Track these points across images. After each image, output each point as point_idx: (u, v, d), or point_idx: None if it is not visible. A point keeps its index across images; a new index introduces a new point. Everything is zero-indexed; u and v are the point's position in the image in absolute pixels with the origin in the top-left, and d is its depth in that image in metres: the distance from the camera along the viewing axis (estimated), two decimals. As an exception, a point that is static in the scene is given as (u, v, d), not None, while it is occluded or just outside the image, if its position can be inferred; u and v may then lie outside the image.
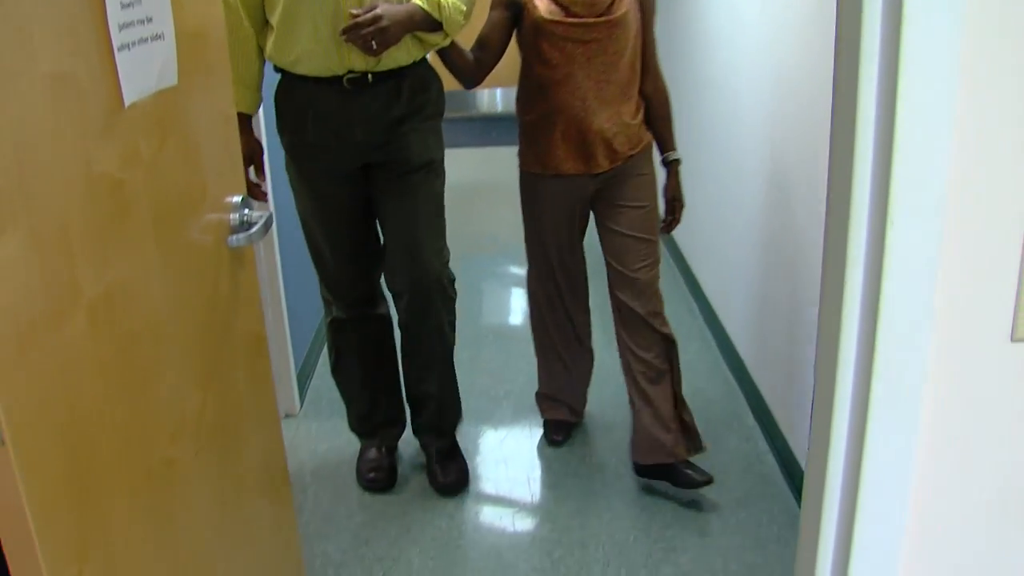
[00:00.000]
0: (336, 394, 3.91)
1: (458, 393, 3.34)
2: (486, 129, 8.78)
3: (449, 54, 2.92)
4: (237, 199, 1.86)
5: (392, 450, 3.41)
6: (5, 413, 1.08)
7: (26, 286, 1.13)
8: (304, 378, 3.98)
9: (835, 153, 0.99)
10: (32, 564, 1.16)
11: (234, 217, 1.85)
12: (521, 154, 3.16)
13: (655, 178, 3.10)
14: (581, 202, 3.13)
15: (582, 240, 3.26)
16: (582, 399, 3.60)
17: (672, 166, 3.13)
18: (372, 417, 3.36)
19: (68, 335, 1.23)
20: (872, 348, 0.95)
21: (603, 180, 3.05)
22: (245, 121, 2.79)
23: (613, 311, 3.15)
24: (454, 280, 3.10)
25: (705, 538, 2.93)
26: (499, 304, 4.95)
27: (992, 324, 0.98)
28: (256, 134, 2.95)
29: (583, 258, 3.31)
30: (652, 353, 3.06)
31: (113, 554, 1.35)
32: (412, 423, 3.37)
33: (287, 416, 3.76)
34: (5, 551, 1.16)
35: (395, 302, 3.12)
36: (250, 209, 1.89)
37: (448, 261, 3.09)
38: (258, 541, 2.06)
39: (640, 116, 3.02)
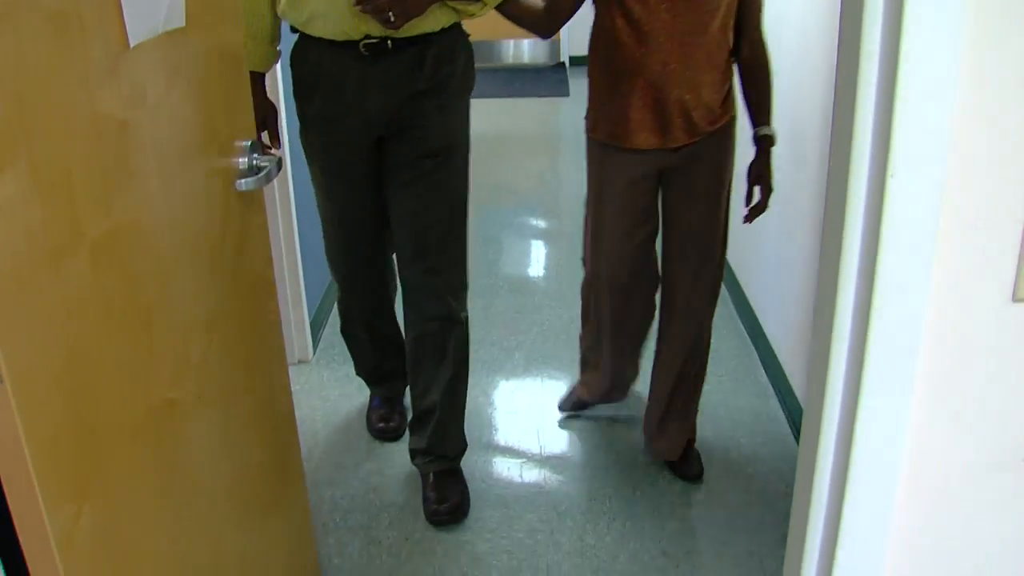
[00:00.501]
0: (348, 342, 3.93)
1: (462, 420, 2.97)
2: (510, 80, 8.71)
3: (512, 7, 2.60)
4: (246, 143, 1.85)
5: (401, 398, 3.36)
6: (4, 352, 1.08)
7: (27, 225, 1.13)
8: (317, 325, 3.99)
9: (838, 104, 0.98)
10: (32, 503, 1.17)
11: (243, 161, 1.84)
12: (589, 119, 2.78)
13: (732, 164, 2.74)
14: (652, 186, 2.75)
15: (654, 241, 2.89)
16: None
17: (763, 143, 2.70)
18: (381, 367, 3.28)
19: (70, 275, 1.22)
20: (869, 307, 0.94)
21: (680, 158, 2.66)
22: (258, 80, 2.62)
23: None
24: (466, 319, 2.81)
25: (712, 494, 2.94)
26: (515, 256, 4.93)
27: (993, 284, 0.97)
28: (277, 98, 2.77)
29: (655, 270, 2.95)
30: (683, 359, 2.90)
31: (114, 494, 1.35)
32: (409, 441, 3.03)
33: (299, 362, 3.78)
34: (5, 489, 1.17)
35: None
36: (259, 153, 1.88)
37: (463, 292, 2.79)
38: (263, 486, 2.07)
39: (727, 86, 2.63)
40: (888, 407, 1.00)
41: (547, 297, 4.32)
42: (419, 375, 2.87)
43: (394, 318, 3.18)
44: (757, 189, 2.73)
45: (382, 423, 3.27)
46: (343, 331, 3.21)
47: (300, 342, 3.76)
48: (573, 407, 3.39)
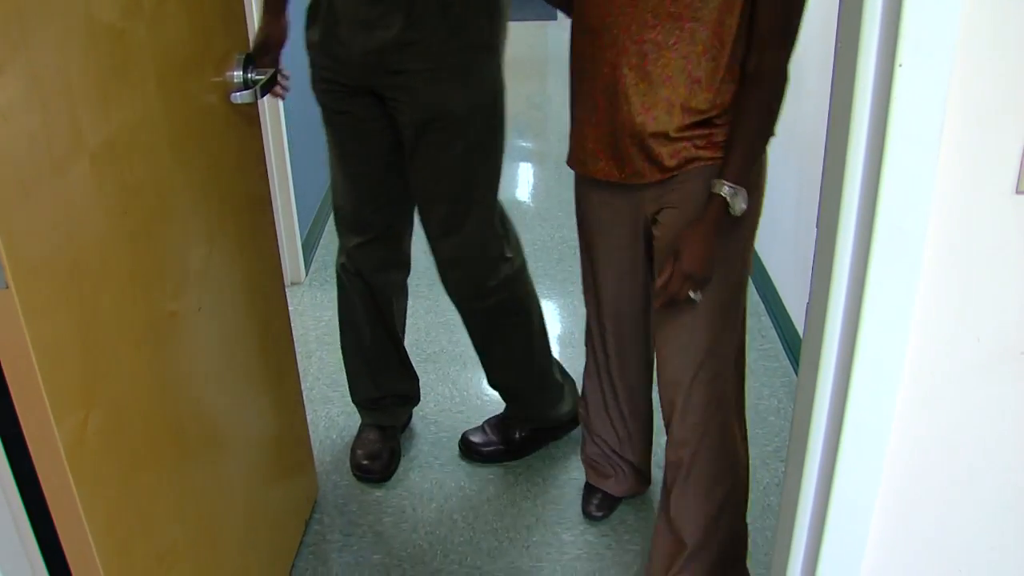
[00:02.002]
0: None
1: (548, 383, 2.75)
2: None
3: None
4: (241, 56, 1.84)
5: (395, 431, 2.85)
6: (8, 256, 1.09)
7: (27, 129, 1.12)
8: (309, 247, 3.98)
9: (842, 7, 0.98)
10: (39, 408, 1.18)
11: (237, 74, 1.83)
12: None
13: (740, 230, 1.91)
14: (635, 224, 2.03)
15: (646, 283, 2.13)
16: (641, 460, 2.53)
17: (711, 204, 1.82)
18: (377, 384, 2.77)
19: (71, 182, 1.22)
20: (875, 199, 0.95)
21: (655, 201, 1.93)
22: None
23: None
24: (504, 284, 2.49)
25: (704, 409, 2.96)
26: (505, 178, 4.88)
27: (997, 177, 0.97)
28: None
29: (645, 315, 2.20)
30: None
31: (119, 402, 1.37)
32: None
33: (292, 284, 3.79)
34: (12, 395, 1.18)
35: None
36: (254, 67, 1.87)
37: (494, 265, 2.47)
38: (262, 401, 2.09)
39: (715, 112, 1.80)
40: (892, 301, 1.01)
41: (537, 217, 4.33)
42: (479, 354, 2.71)
43: (392, 323, 2.73)
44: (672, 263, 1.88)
45: (366, 461, 2.74)
46: (341, 343, 2.76)
47: (292, 264, 3.77)
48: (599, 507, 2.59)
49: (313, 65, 2.35)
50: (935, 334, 1.06)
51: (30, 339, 1.13)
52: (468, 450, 2.79)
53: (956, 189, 0.98)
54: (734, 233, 1.88)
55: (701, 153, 1.82)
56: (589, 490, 2.57)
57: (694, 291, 1.88)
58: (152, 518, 1.49)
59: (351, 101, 2.31)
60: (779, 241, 3.42)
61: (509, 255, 2.51)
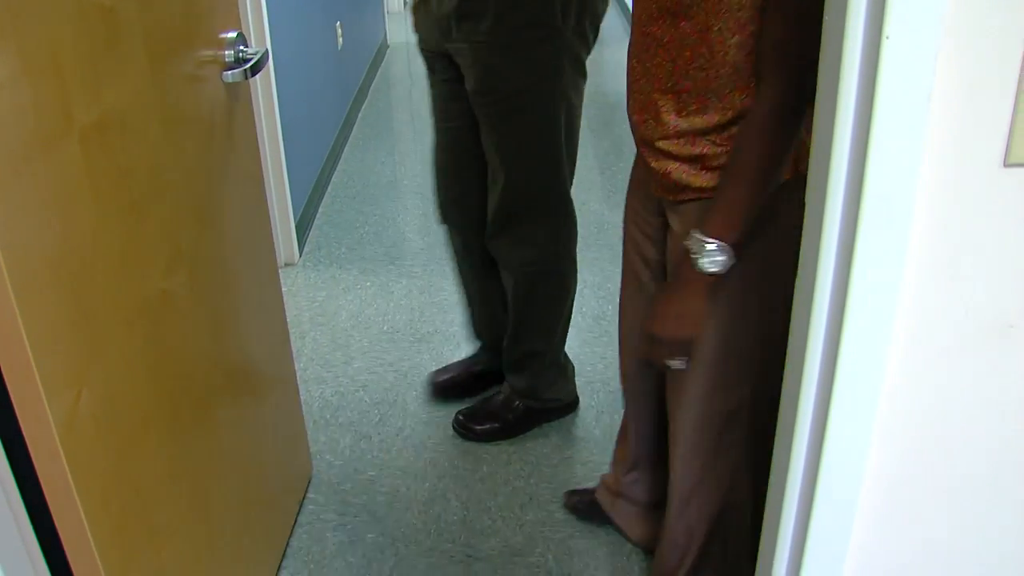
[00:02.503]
0: (335, 243, 3.94)
1: (559, 360, 2.81)
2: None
3: None
4: (232, 34, 1.83)
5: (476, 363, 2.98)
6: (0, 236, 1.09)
7: (17, 107, 1.12)
8: (303, 228, 3.98)
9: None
10: (31, 386, 1.19)
11: (229, 53, 1.83)
12: None
13: (755, 282, 1.59)
14: (646, 231, 1.82)
15: None
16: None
17: (684, 264, 1.54)
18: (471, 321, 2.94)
19: (62, 161, 1.22)
20: (862, 172, 0.95)
21: (669, 214, 1.68)
22: None
23: None
24: (552, 268, 2.57)
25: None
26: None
27: (985, 149, 0.98)
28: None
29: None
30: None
31: (112, 381, 1.37)
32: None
33: (286, 265, 3.78)
34: (4, 374, 1.18)
35: None
36: (245, 45, 1.86)
37: (542, 248, 2.53)
38: (256, 380, 2.09)
39: (714, 134, 1.51)
40: (880, 274, 1.02)
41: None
42: (514, 317, 2.71)
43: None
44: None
45: (442, 376, 2.99)
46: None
47: (286, 245, 3.76)
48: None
49: (415, 26, 2.44)
50: (923, 307, 1.06)
51: (21, 317, 1.13)
52: (463, 429, 2.80)
53: (944, 162, 0.98)
54: (738, 293, 1.60)
55: (692, 181, 1.55)
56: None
57: (670, 357, 1.63)
58: (146, 496, 1.49)
59: (435, 60, 2.41)
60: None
61: (563, 232, 2.55)
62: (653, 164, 1.59)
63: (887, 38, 0.89)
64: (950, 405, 1.13)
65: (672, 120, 1.53)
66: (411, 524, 2.45)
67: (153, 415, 1.51)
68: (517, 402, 2.78)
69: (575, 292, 2.71)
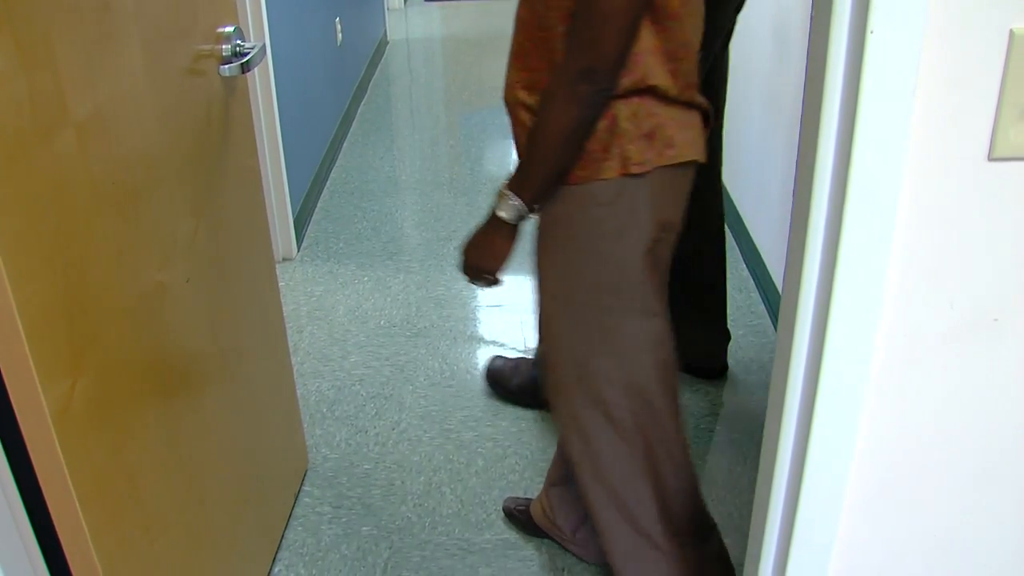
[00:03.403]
0: (333, 238, 3.95)
1: None
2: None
3: None
4: (229, 28, 1.84)
5: None
6: (-5, 225, 1.10)
7: (13, 99, 1.13)
8: (301, 223, 3.99)
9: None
10: (26, 376, 1.20)
11: (226, 47, 1.84)
12: None
13: (567, 246, 1.72)
14: None
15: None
16: None
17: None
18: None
19: (57, 153, 1.23)
20: (847, 166, 0.96)
21: None
22: None
23: None
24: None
25: (694, 383, 2.98)
26: (497, 154, 4.94)
27: (970, 143, 0.99)
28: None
29: None
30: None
31: (106, 371, 1.38)
32: None
33: (284, 260, 3.79)
34: (0, 363, 1.19)
35: None
36: (242, 40, 1.87)
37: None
38: (253, 374, 2.10)
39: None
40: (865, 268, 1.03)
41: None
42: (721, 287, 2.91)
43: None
44: None
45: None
46: None
47: (284, 239, 3.77)
48: None
49: None
50: (908, 300, 1.07)
51: (16, 307, 1.15)
52: (494, 381, 2.90)
53: (929, 156, 0.99)
54: (551, 247, 1.75)
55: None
56: None
57: (474, 280, 1.81)
58: (141, 486, 1.50)
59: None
60: (766, 216, 3.43)
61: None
62: (514, 128, 1.71)
63: (871, 32, 0.90)
64: (936, 398, 1.14)
65: (521, 94, 1.65)
66: (406, 517, 2.46)
67: (148, 406, 1.52)
68: None
69: None
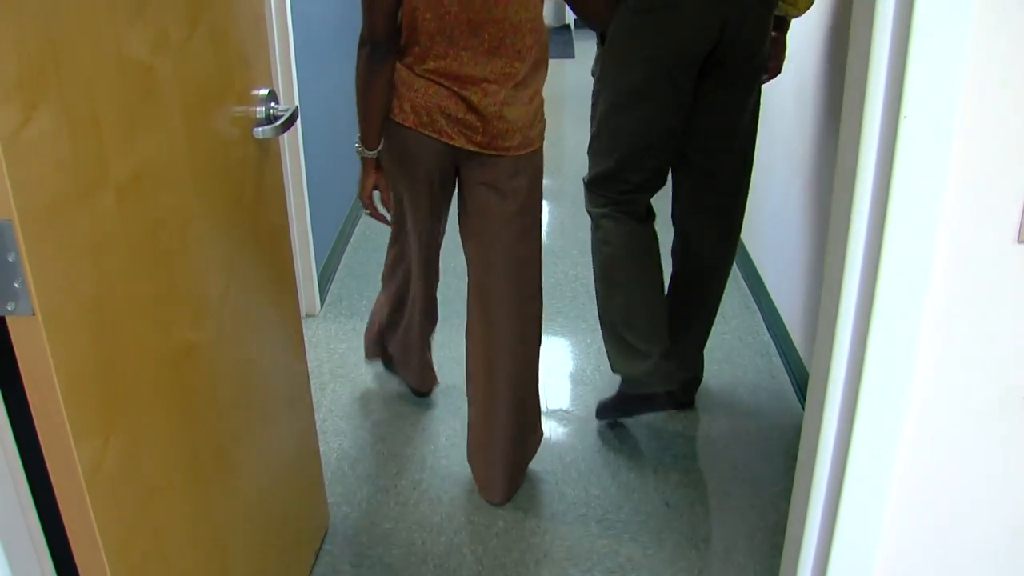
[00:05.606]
0: (356, 294, 3.97)
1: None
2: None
3: None
4: (264, 91, 1.88)
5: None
6: (36, 284, 1.12)
7: (58, 161, 1.16)
8: (325, 279, 4.02)
9: (854, 45, 1.00)
10: (60, 432, 1.21)
11: (260, 109, 1.87)
12: None
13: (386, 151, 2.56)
14: None
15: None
16: None
17: None
18: None
19: (97, 212, 1.26)
20: (879, 248, 0.97)
21: None
22: None
23: None
24: None
25: (715, 448, 2.98)
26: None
27: (999, 225, 1.00)
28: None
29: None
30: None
31: (138, 428, 1.39)
32: None
33: (308, 316, 3.81)
34: (35, 418, 1.21)
35: None
36: (276, 102, 1.91)
37: None
38: (276, 431, 2.11)
39: None
40: (897, 347, 1.03)
41: (551, 255, 4.35)
42: (695, 318, 3.03)
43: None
44: None
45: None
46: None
47: (308, 295, 3.80)
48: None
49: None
50: (939, 378, 1.08)
51: (54, 365, 1.16)
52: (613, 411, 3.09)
53: (959, 238, 1.00)
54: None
55: None
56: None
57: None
58: (166, 543, 1.51)
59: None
60: (787, 279, 3.44)
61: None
62: None
63: (905, 117, 0.91)
64: (965, 474, 1.14)
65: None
66: (426, 578, 2.45)
67: (176, 463, 1.54)
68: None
69: None
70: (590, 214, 2.84)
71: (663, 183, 2.78)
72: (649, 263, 2.81)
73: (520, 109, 2.38)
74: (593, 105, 2.74)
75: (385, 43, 2.27)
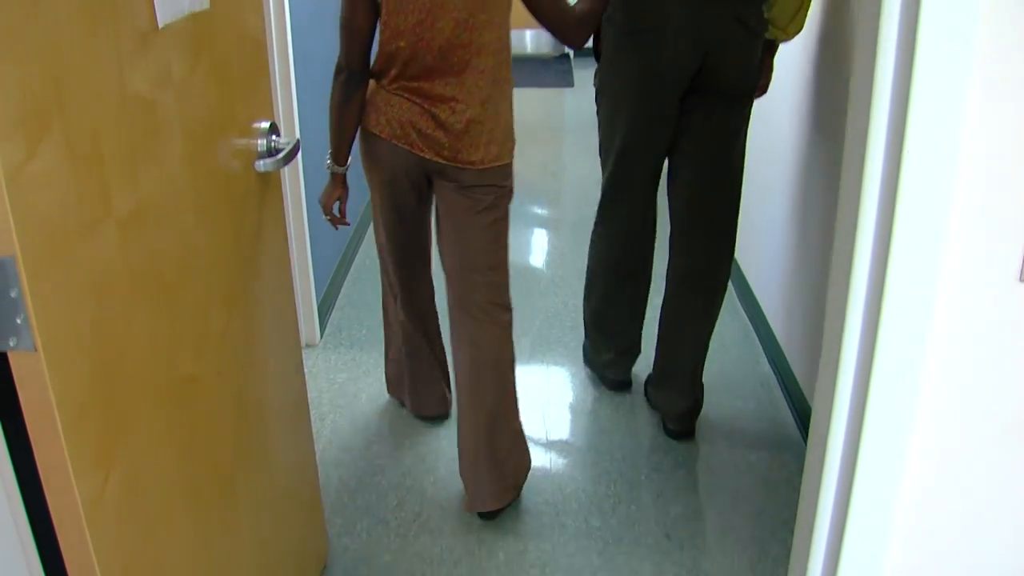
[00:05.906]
0: (356, 324, 3.97)
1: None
2: (514, 70, 8.73)
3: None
4: (265, 124, 1.88)
5: None
6: (38, 320, 1.12)
7: (60, 197, 1.16)
8: (325, 309, 4.02)
9: (856, 81, 1.01)
10: (61, 467, 1.21)
11: (261, 142, 1.88)
12: None
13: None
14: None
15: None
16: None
17: None
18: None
19: (99, 247, 1.26)
20: (882, 283, 0.97)
21: None
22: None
23: None
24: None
25: (716, 480, 2.97)
26: (521, 244, 4.94)
27: (1001, 264, 1.00)
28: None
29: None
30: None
31: (138, 463, 1.39)
32: None
33: (307, 346, 3.81)
34: (35, 454, 1.21)
35: None
36: (277, 135, 1.91)
37: None
38: (276, 463, 2.11)
39: None
40: (899, 383, 1.03)
41: (552, 284, 4.35)
42: (684, 341, 3.20)
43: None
44: None
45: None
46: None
47: (308, 326, 3.80)
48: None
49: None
50: (942, 413, 1.08)
51: (55, 401, 1.16)
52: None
53: (961, 276, 1.00)
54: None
55: None
56: None
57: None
58: (166, 578, 1.50)
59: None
60: (786, 310, 3.44)
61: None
62: None
63: (907, 153, 0.92)
64: (968, 512, 1.14)
65: None
66: (426, 611, 2.44)
67: (176, 496, 1.53)
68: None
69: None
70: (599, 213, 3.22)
71: (654, 188, 3.09)
72: (629, 280, 3.22)
73: (486, 126, 2.63)
74: (597, 112, 3.11)
75: (360, 72, 2.57)
